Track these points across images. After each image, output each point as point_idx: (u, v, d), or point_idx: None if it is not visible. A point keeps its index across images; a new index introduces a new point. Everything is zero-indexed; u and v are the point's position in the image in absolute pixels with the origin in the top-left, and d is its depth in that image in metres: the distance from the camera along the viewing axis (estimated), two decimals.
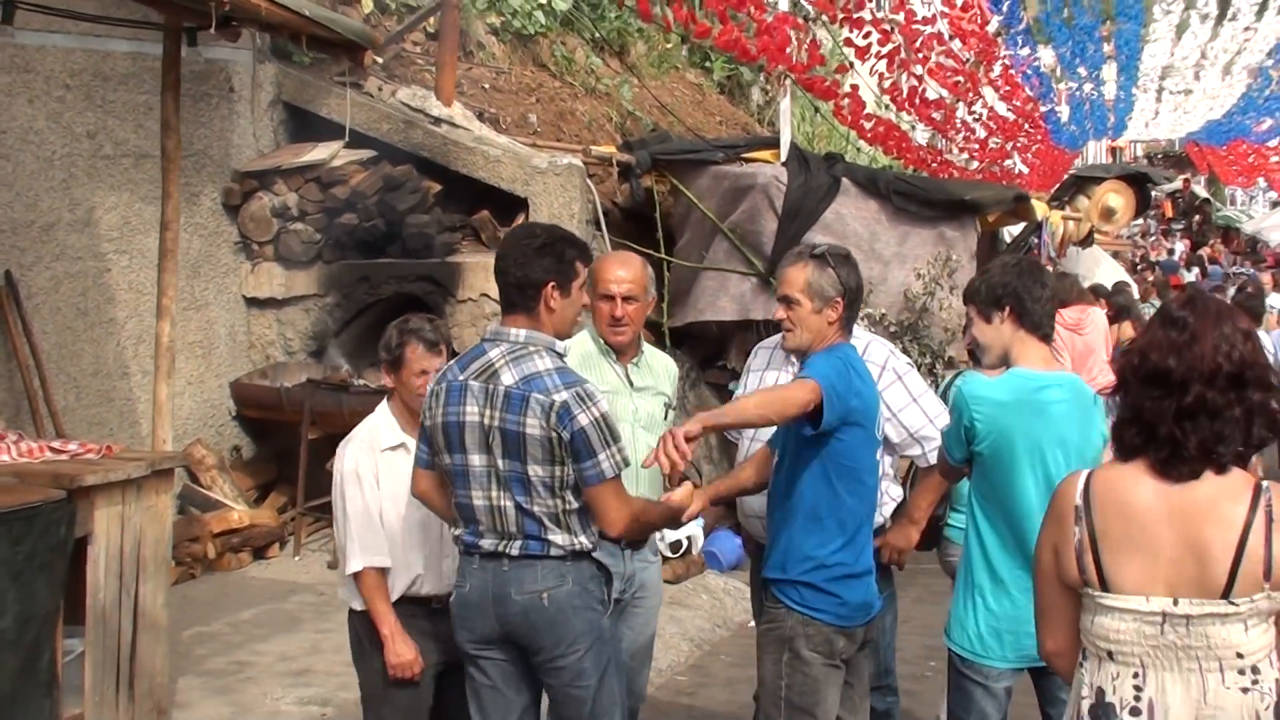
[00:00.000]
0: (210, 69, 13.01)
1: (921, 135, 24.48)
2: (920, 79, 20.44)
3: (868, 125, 19.27)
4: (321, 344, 13.50)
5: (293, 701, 8.98)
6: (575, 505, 5.80)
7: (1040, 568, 4.47)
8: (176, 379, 11.50)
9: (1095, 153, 53.40)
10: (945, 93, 22.31)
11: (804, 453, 5.96)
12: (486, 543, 5.85)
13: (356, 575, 6.55)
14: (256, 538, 12.55)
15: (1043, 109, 29.78)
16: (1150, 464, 4.18)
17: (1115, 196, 21.76)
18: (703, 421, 5.62)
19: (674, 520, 6.40)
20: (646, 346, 7.32)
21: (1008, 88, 25.67)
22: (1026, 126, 29.18)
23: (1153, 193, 24.57)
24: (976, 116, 24.93)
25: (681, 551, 12.48)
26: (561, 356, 5.91)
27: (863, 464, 6.07)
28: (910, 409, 7.07)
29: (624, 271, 6.94)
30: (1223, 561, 4.05)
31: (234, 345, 13.74)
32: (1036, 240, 19.47)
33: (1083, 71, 29.37)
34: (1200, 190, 61.11)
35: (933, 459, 7.05)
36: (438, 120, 13.84)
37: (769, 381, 7.07)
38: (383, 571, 6.56)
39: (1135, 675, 4.17)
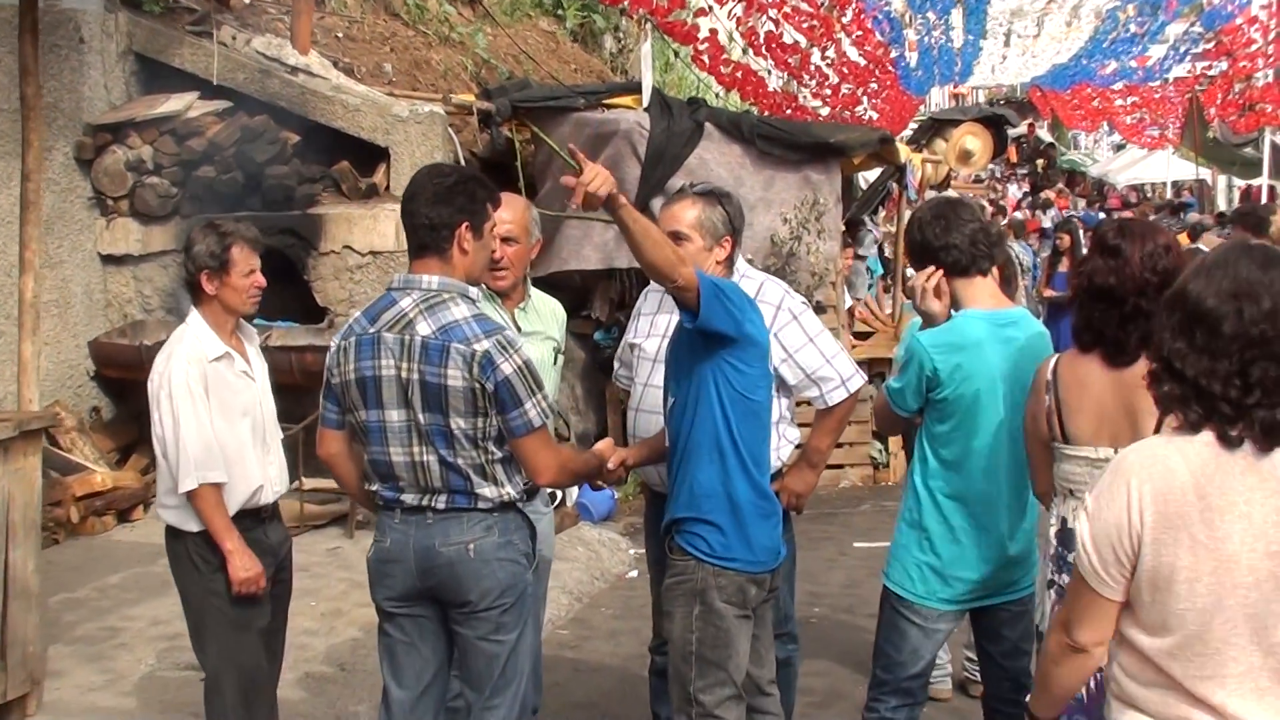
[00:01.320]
0: (59, 19, 12.64)
1: (775, 81, 24.38)
2: (777, 23, 20.32)
3: (725, 70, 19.10)
4: (181, 301, 13.09)
5: (168, 666, 8.74)
6: (499, 455, 5.63)
7: (1026, 429, 5.82)
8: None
9: (940, 99, 53.74)
10: (800, 37, 22.21)
11: (704, 388, 5.76)
12: (409, 498, 5.68)
13: (191, 493, 6.41)
14: (120, 500, 12.28)
15: (893, 54, 29.82)
16: (1101, 356, 5.45)
17: (972, 139, 21.71)
18: (612, 185, 5.42)
19: (597, 472, 6.25)
20: (534, 290, 7.12)
21: (859, 33, 25.63)
22: (877, 72, 29.18)
23: (1008, 134, 24.61)
24: (829, 62, 24.85)
25: (556, 503, 12.29)
26: (475, 303, 5.71)
27: (759, 400, 5.89)
28: (807, 349, 6.82)
29: (505, 213, 6.60)
30: (1149, 420, 4.91)
31: (90, 304, 13.43)
32: (896, 185, 19.44)
33: (931, 16, 29.47)
34: (1045, 135, 61.72)
35: (831, 400, 6.87)
36: (294, 69, 13.54)
37: (660, 325, 6.87)
38: (218, 487, 6.44)
39: None
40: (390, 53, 16.42)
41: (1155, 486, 3.72)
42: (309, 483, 11.79)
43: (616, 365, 7.52)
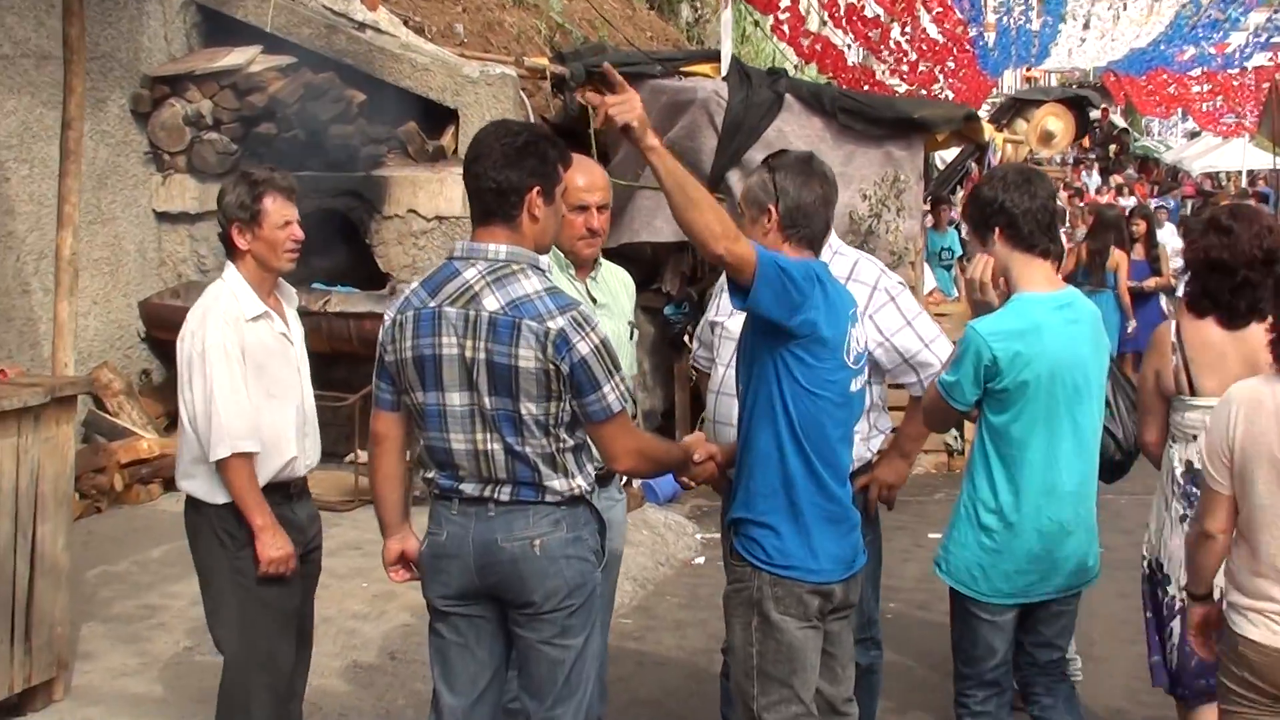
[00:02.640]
0: None
1: (854, 56, 24.04)
2: None
3: (804, 43, 18.75)
4: (225, 270, 12.67)
5: (208, 650, 8.22)
6: (571, 443, 5.15)
7: (1145, 385, 6.67)
8: (81, 298, 10.75)
9: (1011, 80, 53.28)
10: (881, 11, 21.88)
11: (765, 380, 5.32)
12: (468, 487, 5.17)
13: (222, 463, 5.99)
14: (167, 468, 11.63)
15: (970, 33, 29.43)
16: (1216, 319, 6.33)
17: (1054, 120, 21.28)
18: (636, 116, 5.11)
19: (682, 465, 5.74)
20: (603, 260, 6.66)
21: (940, 9, 25.29)
22: (955, 50, 28.80)
23: (1091, 116, 24.15)
24: (909, 38, 24.48)
25: (622, 483, 11.85)
26: (546, 275, 5.21)
27: (829, 396, 5.38)
28: (904, 332, 6.42)
29: (594, 178, 6.29)
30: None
31: (143, 262, 13.04)
32: (975, 165, 19.00)
33: None
34: (1119, 120, 61.26)
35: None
36: (362, 25, 13.15)
37: None
38: (250, 457, 6.03)
39: None
40: (462, 13, 16.13)
41: (1247, 410, 4.98)
42: (364, 455, 11.32)
43: (695, 345, 7.12)
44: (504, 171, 5.07)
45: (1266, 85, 34.38)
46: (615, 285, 6.68)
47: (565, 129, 13.68)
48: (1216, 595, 5.47)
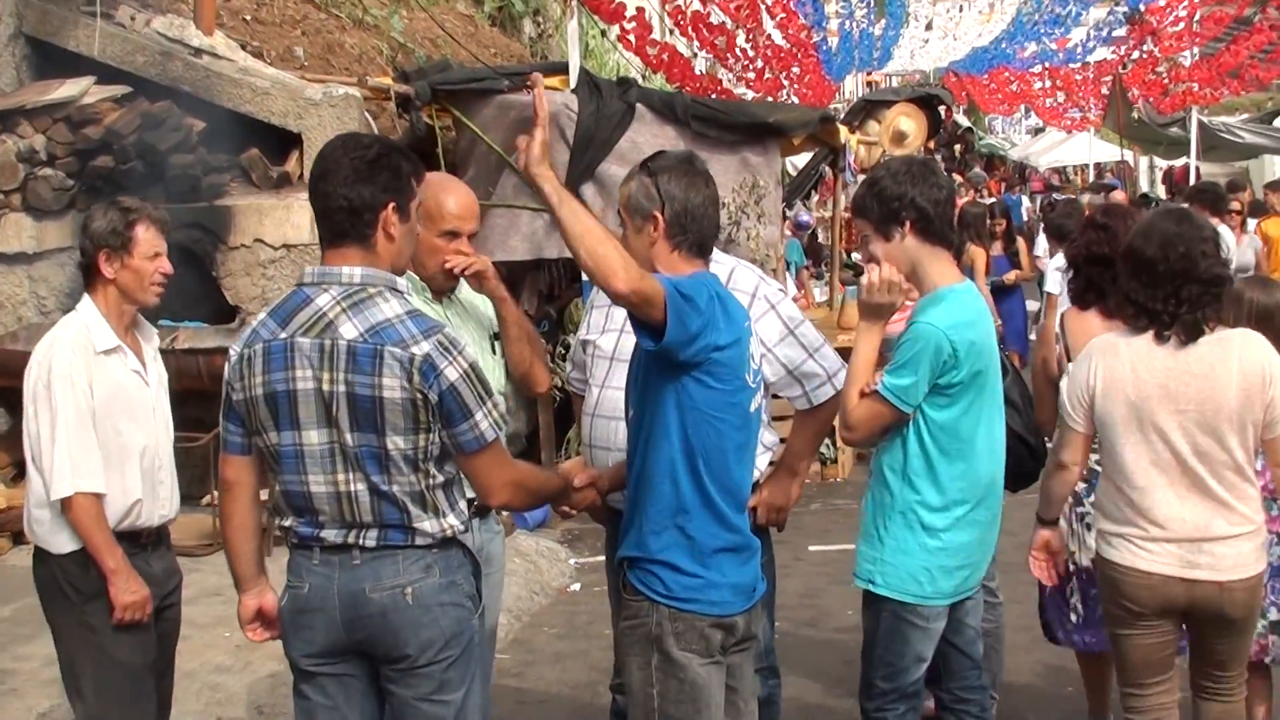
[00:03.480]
0: None
1: (701, 64, 23.95)
2: (705, 1, 19.87)
3: (651, 52, 18.55)
4: (79, 302, 12.22)
5: (66, 715, 7.82)
6: (440, 479, 4.81)
7: (1035, 370, 7.53)
8: None
9: (854, 86, 53.65)
10: (727, 19, 21.79)
11: (662, 408, 5.00)
12: (331, 534, 4.82)
13: (66, 501, 5.71)
14: (14, 521, 11.15)
15: (815, 38, 29.48)
16: (1099, 310, 6.99)
17: (906, 120, 21.14)
18: (543, 159, 4.80)
19: (562, 493, 5.44)
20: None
21: (783, 15, 25.25)
22: (799, 56, 28.81)
23: (943, 115, 24.23)
24: (754, 44, 24.43)
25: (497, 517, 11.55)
26: (406, 297, 4.87)
27: (730, 420, 5.10)
28: (787, 342, 6.18)
29: (467, 203, 5.91)
30: None
31: None
32: (829, 168, 18.90)
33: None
34: (962, 119, 61.82)
35: (817, 399, 6.26)
36: (198, 51, 12.75)
37: (617, 319, 6.08)
38: (97, 498, 5.76)
39: None
40: (301, 36, 15.75)
41: (1106, 361, 5.86)
42: None
43: (569, 367, 6.80)
44: (355, 188, 4.75)
45: (1108, 79, 34.87)
46: (473, 298, 6.24)
47: (413, 148, 13.37)
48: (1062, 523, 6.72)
